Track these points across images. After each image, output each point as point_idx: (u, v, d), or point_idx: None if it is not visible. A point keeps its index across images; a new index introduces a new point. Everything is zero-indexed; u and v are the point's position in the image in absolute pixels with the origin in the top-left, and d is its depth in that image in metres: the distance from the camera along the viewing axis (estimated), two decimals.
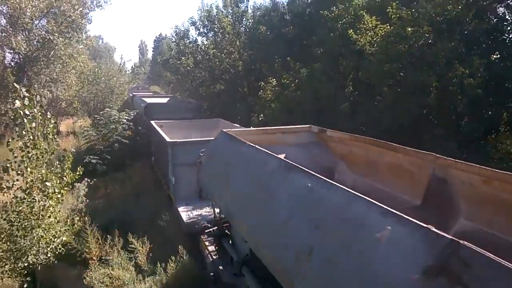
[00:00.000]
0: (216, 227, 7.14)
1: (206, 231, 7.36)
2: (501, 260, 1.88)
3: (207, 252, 7.31)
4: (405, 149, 5.10)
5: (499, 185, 3.83)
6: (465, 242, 2.05)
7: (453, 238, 2.11)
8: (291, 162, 4.13)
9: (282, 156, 5.07)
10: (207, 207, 9.09)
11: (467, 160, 4.45)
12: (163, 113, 16.62)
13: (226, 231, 6.87)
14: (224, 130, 6.58)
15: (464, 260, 1.99)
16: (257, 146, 4.99)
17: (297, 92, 14.39)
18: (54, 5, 19.74)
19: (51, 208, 7.13)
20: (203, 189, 7.57)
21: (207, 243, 7.50)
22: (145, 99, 22.06)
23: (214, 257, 7.02)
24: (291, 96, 14.43)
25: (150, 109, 17.99)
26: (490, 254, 1.92)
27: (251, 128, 8.60)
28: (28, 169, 6.67)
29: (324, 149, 6.93)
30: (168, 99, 24.54)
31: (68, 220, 7.80)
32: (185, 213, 9.32)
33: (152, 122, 14.16)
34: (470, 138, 9.44)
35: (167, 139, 10.81)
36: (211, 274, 6.72)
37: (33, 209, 6.82)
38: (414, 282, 2.15)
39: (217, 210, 6.96)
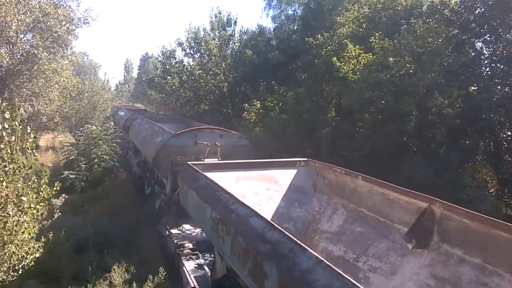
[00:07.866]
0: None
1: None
2: None
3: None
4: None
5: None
6: None
7: None
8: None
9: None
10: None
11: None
12: None
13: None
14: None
15: None
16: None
17: (281, 115, 14.54)
18: (41, 20, 19.61)
19: (25, 224, 6.91)
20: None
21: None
22: None
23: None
24: (275, 119, 14.57)
25: None
26: None
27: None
28: (4, 183, 6.49)
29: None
30: None
31: (43, 237, 7.59)
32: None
33: None
34: (448, 166, 9.60)
35: None
36: None
37: (7, 225, 6.60)
38: None
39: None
